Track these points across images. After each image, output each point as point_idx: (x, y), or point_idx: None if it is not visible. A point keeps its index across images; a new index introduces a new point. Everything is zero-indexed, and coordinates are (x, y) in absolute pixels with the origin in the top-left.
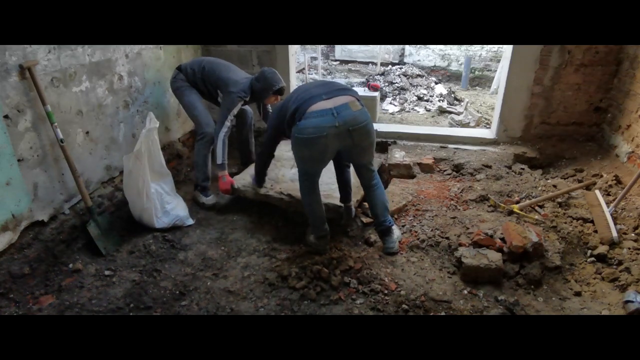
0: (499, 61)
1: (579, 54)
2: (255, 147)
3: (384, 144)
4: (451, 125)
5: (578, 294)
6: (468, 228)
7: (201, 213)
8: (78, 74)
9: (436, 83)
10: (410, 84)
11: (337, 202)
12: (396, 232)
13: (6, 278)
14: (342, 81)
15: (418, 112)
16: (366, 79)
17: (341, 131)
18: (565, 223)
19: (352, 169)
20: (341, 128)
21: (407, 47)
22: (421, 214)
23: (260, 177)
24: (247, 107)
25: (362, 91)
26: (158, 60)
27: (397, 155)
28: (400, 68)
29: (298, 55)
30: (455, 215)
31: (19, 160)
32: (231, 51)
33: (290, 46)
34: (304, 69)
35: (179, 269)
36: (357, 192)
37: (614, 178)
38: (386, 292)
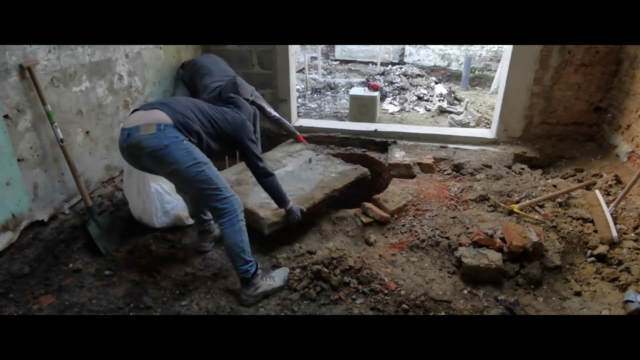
0: (499, 61)
1: (579, 54)
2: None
3: (384, 144)
4: (451, 125)
5: (578, 293)
6: (468, 228)
7: None
8: (78, 73)
9: (436, 83)
10: (410, 83)
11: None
12: (263, 282)
13: (6, 278)
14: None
15: (418, 112)
16: (366, 79)
17: (130, 153)
18: (565, 223)
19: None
20: (129, 150)
21: (407, 47)
22: (421, 213)
23: None
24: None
25: (362, 91)
26: (158, 60)
27: (397, 155)
28: (400, 68)
29: (298, 55)
30: (455, 215)
31: (19, 160)
32: (231, 51)
33: (290, 46)
34: (304, 68)
35: (179, 269)
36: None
37: (614, 178)
38: (386, 292)
